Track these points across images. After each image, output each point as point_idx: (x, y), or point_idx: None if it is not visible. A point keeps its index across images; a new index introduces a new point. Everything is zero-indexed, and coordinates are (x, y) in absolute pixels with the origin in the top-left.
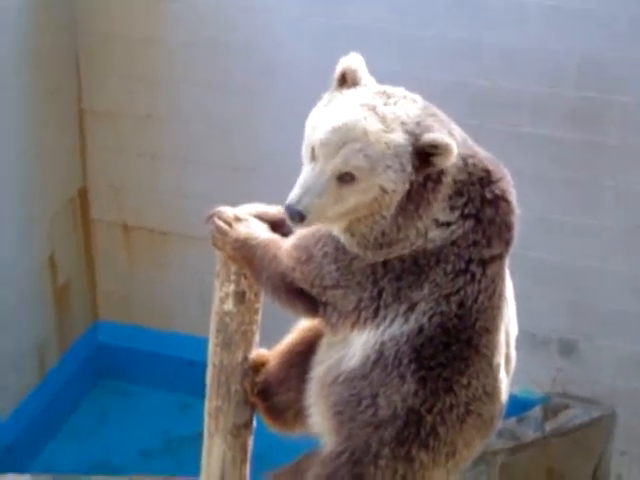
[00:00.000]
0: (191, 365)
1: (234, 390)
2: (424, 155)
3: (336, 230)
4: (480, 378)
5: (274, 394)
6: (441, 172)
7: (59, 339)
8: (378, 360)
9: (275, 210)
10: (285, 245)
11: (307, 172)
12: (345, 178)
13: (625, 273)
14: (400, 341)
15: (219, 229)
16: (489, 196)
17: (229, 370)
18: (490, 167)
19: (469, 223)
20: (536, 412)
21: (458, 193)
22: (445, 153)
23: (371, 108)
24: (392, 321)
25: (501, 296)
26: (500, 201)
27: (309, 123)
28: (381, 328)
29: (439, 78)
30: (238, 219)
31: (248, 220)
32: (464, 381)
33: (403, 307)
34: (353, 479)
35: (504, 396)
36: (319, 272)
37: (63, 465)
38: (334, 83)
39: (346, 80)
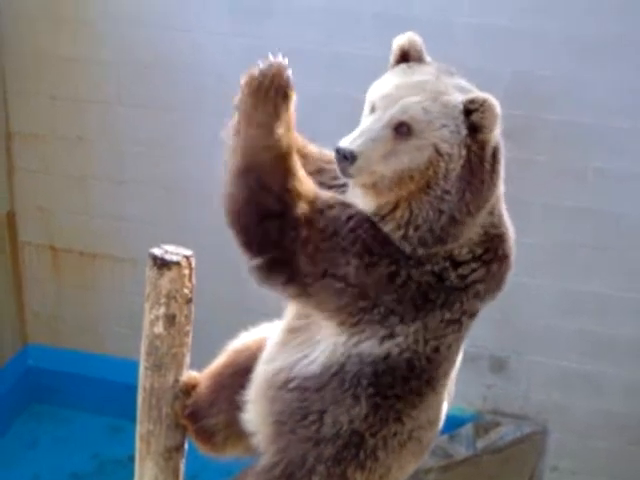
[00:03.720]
0: (122, 388)
1: (165, 413)
2: (468, 115)
3: (394, 219)
4: (428, 411)
5: (204, 417)
6: (494, 157)
7: None
8: (337, 373)
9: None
10: (310, 194)
11: (364, 122)
12: (401, 130)
13: (553, 289)
14: (365, 361)
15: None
16: (501, 253)
17: (160, 393)
18: (509, 225)
19: (481, 271)
20: (468, 429)
21: (486, 233)
22: (481, 108)
23: (432, 74)
24: (367, 339)
25: (464, 339)
26: (506, 260)
27: (371, 89)
28: (353, 339)
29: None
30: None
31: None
32: (414, 413)
33: (383, 332)
34: None
35: (441, 423)
36: (336, 255)
37: None
38: (391, 61)
39: (406, 59)
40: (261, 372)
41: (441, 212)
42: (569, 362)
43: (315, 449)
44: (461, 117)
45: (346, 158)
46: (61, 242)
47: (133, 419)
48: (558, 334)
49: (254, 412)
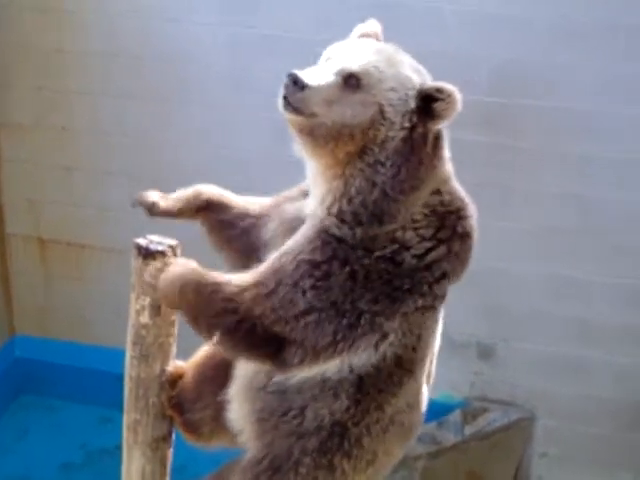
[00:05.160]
0: (110, 377)
1: (152, 403)
2: (428, 100)
3: (320, 180)
4: (407, 396)
5: (190, 409)
6: (437, 141)
7: None
8: (318, 381)
9: (241, 200)
10: (239, 282)
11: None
12: (351, 81)
13: (538, 275)
14: (354, 370)
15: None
16: (460, 230)
17: (147, 383)
18: (466, 202)
19: (442, 250)
20: (456, 416)
21: (436, 212)
22: (447, 99)
23: (392, 47)
24: (363, 351)
25: (439, 322)
26: (467, 238)
27: (330, 47)
28: (348, 359)
29: None
30: (164, 197)
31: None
32: (394, 401)
33: (376, 337)
34: None
35: (424, 405)
36: (291, 296)
37: None
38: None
39: None
40: (241, 372)
41: (374, 184)
42: (556, 348)
43: (299, 442)
44: (413, 91)
45: (296, 84)
46: (48, 233)
47: (122, 408)
48: (543, 319)
49: (236, 412)
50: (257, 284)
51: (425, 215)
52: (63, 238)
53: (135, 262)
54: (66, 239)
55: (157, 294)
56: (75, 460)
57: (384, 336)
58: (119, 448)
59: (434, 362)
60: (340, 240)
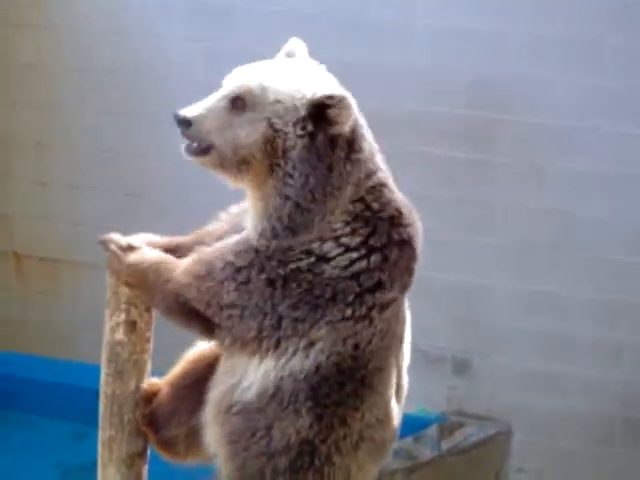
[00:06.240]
0: (86, 393)
1: (127, 419)
2: (322, 108)
3: (250, 203)
4: (373, 411)
5: (164, 426)
6: (351, 146)
7: None
8: (275, 395)
9: (165, 239)
10: (181, 264)
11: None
12: (237, 103)
13: (514, 290)
14: (298, 378)
15: (114, 254)
16: (396, 237)
17: (122, 399)
18: (403, 209)
19: (375, 258)
20: (432, 431)
21: (363, 219)
22: (338, 105)
23: (290, 63)
24: (293, 354)
25: (394, 335)
26: (406, 245)
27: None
28: (282, 360)
29: None
30: (131, 247)
31: (141, 247)
32: (358, 415)
33: (303, 342)
34: None
35: (396, 421)
36: (217, 289)
37: None
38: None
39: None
40: (210, 397)
41: (286, 198)
42: (532, 362)
43: (270, 462)
44: (303, 101)
45: (182, 123)
46: (22, 248)
47: (97, 425)
48: (520, 334)
49: (209, 436)
50: (191, 270)
51: (346, 223)
52: (38, 252)
53: (110, 279)
54: (41, 254)
55: (121, 272)
56: (50, 477)
57: (311, 343)
58: (94, 465)
59: (403, 375)
60: (257, 250)
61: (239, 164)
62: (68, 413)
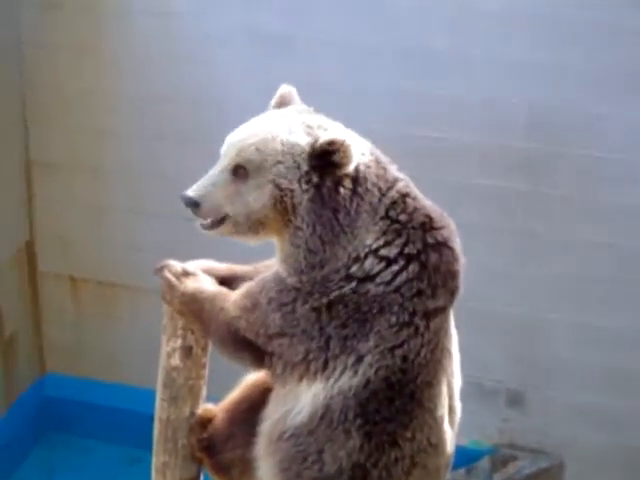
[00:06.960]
0: (140, 418)
1: (181, 445)
2: (325, 155)
3: (275, 259)
4: (424, 430)
5: (220, 451)
6: (356, 181)
7: (6, 392)
8: (325, 415)
9: (224, 267)
10: (233, 296)
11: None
12: (239, 172)
13: (571, 323)
14: (347, 395)
15: (168, 282)
16: (431, 241)
17: (176, 425)
18: (433, 214)
19: (413, 267)
20: (485, 463)
21: (395, 232)
22: (341, 149)
23: (281, 115)
24: (341, 373)
25: (443, 350)
26: (443, 247)
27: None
28: (331, 381)
29: (386, 130)
30: (186, 273)
31: (197, 275)
32: (408, 434)
33: (351, 359)
34: None
35: (450, 447)
36: (264, 320)
37: None
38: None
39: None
40: (262, 430)
41: (297, 246)
42: (586, 396)
43: None
44: (303, 155)
45: (191, 205)
46: (79, 272)
47: (151, 449)
48: (575, 367)
49: (264, 468)
50: (239, 303)
51: (377, 239)
52: (95, 277)
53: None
54: (98, 278)
55: (174, 300)
56: None
57: (360, 358)
58: None
59: (456, 397)
60: (294, 287)
61: (255, 226)
62: (123, 437)
